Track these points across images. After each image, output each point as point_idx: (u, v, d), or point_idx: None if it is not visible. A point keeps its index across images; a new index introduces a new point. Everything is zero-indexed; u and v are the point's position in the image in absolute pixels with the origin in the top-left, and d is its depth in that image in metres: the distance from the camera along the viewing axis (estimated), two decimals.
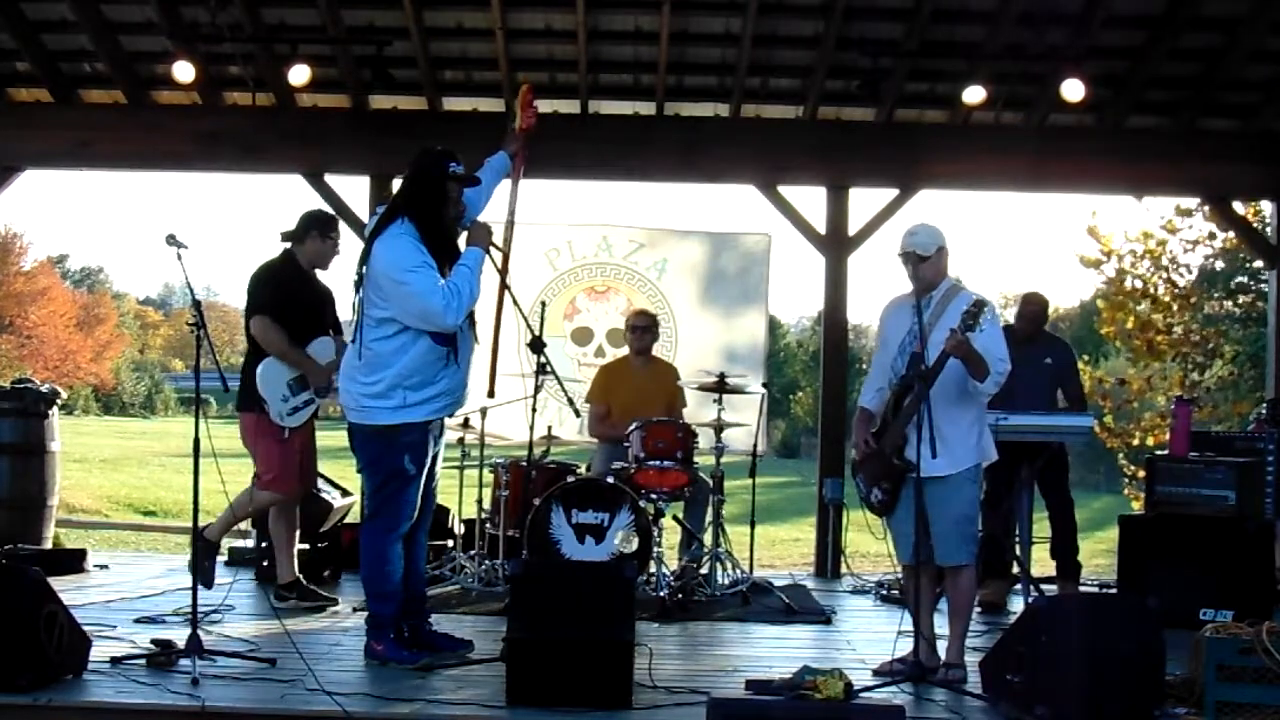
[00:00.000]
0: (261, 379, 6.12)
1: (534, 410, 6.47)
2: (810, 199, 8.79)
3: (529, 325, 5.94)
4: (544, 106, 8.71)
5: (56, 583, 4.90)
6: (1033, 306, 7.39)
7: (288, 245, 6.41)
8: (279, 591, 6.52)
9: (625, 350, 8.07)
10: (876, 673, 5.21)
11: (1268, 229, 9.41)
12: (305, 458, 6.43)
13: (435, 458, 5.36)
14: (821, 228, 8.65)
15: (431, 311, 4.95)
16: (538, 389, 6.35)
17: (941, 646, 5.29)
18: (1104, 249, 14.89)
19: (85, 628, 4.83)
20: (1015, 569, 7.26)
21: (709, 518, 7.13)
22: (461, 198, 5.24)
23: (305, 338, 6.30)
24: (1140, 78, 8.35)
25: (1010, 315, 8.81)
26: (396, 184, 8.58)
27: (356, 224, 8.65)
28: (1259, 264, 14.61)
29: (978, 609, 6.92)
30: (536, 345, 5.78)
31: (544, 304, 7.56)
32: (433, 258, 5.01)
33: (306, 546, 7.41)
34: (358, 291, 5.12)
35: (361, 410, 5.10)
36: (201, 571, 5.65)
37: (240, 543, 7.98)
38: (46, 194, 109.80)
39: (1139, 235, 14.87)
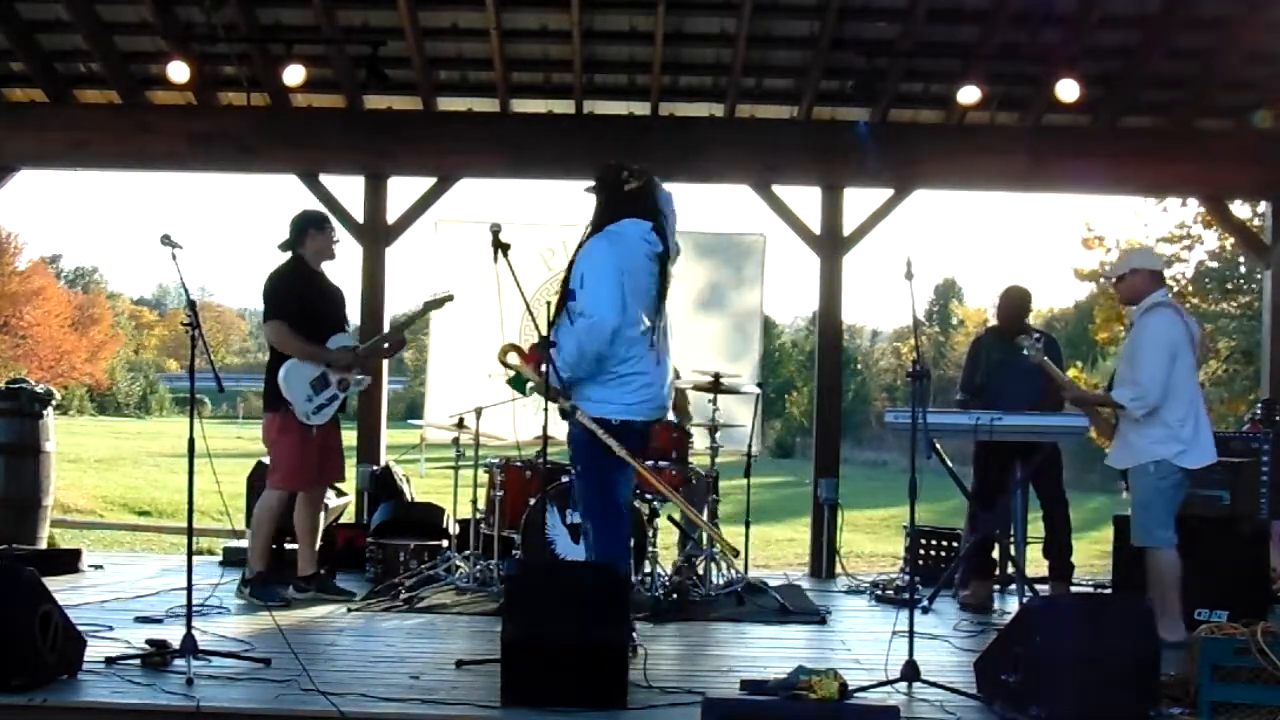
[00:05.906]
0: (285, 382, 6.28)
1: (545, 409, 6.39)
2: (805, 199, 8.81)
3: (536, 325, 5.98)
4: (539, 107, 8.77)
5: (51, 583, 4.88)
6: (1009, 300, 7.38)
7: (290, 252, 6.57)
8: (297, 583, 6.65)
9: None
10: None
11: (1262, 229, 9.44)
12: (327, 454, 6.58)
13: None
14: (816, 228, 8.65)
15: None
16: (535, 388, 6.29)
17: None
18: (1104, 249, 14.90)
19: (80, 628, 4.81)
20: (1010, 569, 7.27)
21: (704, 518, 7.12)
22: None
23: (323, 335, 6.47)
24: (1135, 78, 8.36)
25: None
26: (393, 183, 8.74)
27: (351, 223, 8.66)
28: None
29: (967, 611, 6.95)
30: (544, 345, 5.80)
31: (549, 304, 7.53)
32: None
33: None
34: None
35: None
36: (272, 597, 6.32)
37: (236, 543, 7.96)
38: (41, 194, 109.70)
39: (1130, 242, 14.90)
